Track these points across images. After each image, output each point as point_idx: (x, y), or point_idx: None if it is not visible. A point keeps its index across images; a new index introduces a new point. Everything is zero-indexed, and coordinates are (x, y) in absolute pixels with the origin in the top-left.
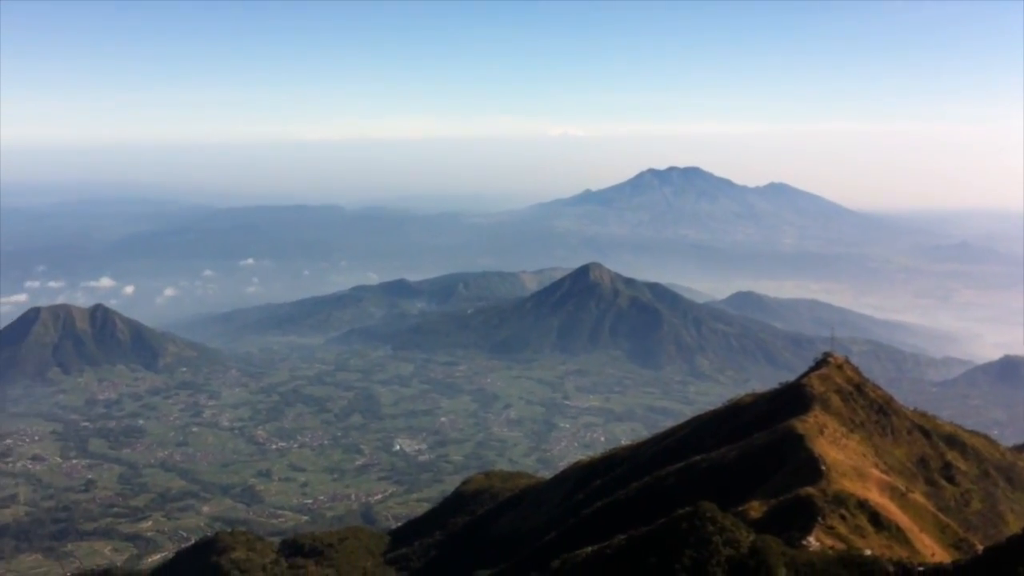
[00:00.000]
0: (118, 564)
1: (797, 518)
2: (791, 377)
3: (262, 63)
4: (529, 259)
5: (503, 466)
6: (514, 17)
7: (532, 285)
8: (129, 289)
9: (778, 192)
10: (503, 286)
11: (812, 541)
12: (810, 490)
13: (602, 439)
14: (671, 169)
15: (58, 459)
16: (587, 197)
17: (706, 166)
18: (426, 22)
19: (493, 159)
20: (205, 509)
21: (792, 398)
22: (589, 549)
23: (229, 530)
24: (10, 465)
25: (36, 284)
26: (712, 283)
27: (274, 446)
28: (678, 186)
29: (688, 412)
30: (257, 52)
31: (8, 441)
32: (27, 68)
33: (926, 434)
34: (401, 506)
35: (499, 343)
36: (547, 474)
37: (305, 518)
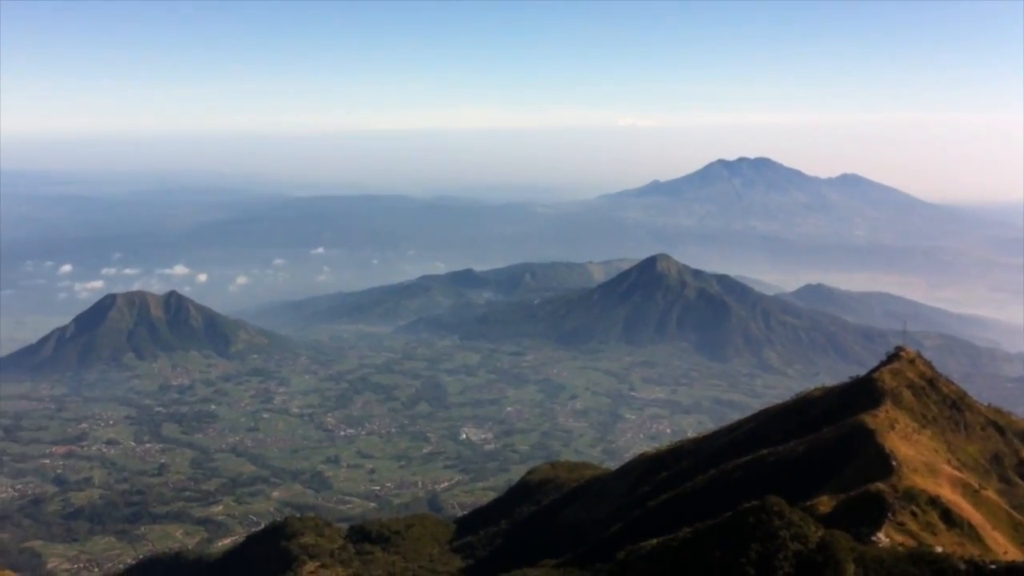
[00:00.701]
0: (189, 547)
1: (867, 514)
2: (862, 371)
3: (335, 54)
4: (596, 250)
5: (568, 456)
6: (585, 7)
7: (599, 276)
8: (202, 277)
9: (850, 183)
10: (570, 276)
11: (882, 537)
12: (880, 486)
13: (668, 431)
14: (741, 160)
15: (132, 443)
16: (655, 188)
17: (776, 157)
18: (497, 13)
19: (561, 149)
20: (275, 494)
21: (863, 392)
22: (654, 541)
23: (298, 515)
24: (86, 449)
25: (112, 271)
26: (781, 275)
27: (342, 433)
28: (747, 177)
29: (755, 405)
30: (329, 44)
31: (84, 425)
32: (108, 60)
33: (1000, 431)
34: (467, 494)
35: (565, 333)
36: (612, 465)
37: (372, 505)
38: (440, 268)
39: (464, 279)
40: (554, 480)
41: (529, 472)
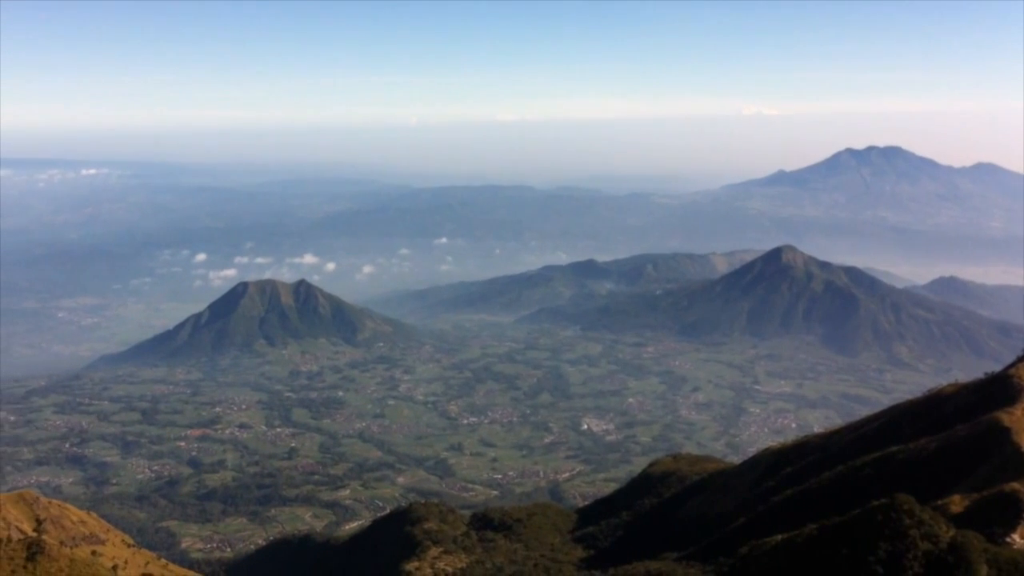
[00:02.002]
0: (318, 530)
1: (1001, 514)
2: (997, 367)
3: (463, 47)
4: (720, 241)
5: (691, 449)
6: None
7: (722, 267)
8: (331, 266)
9: (986, 173)
10: (692, 268)
11: (1017, 539)
12: (1016, 485)
13: (793, 426)
14: (870, 149)
15: (263, 427)
16: (780, 178)
17: (907, 145)
18: (620, 3)
19: (685, 139)
20: (400, 480)
21: (998, 389)
22: (778, 537)
23: (422, 501)
24: (219, 432)
25: (245, 260)
26: (912, 267)
27: (465, 421)
28: (877, 166)
29: (885, 401)
30: (456, 37)
31: (217, 409)
32: (241, 55)
33: None
34: (588, 485)
35: (688, 325)
36: (736, 459)
37: (495, 492)
38: (562, 258)
39: (586, 269)
40: (676, 473)
41: (651, 464)
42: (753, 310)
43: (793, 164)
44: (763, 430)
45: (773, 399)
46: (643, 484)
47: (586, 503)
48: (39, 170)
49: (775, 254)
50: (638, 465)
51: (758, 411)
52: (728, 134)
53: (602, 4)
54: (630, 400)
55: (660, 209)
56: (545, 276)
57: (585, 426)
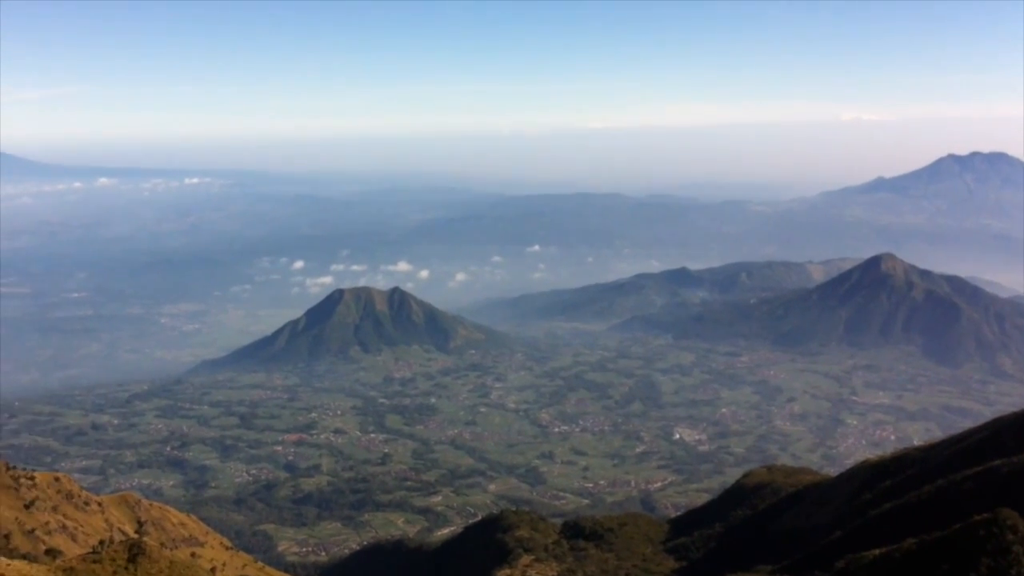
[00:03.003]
0: (410, 535)
1: None
2: None
3: (552, 56)
4: (816, 249)
5: (786, 461)
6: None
7: (818, 276)
8: (424, 273)
9: None
10: (788, 276)
11: None
12: None
13: (892, 438)
14: (974, 155)
15: (358, 433)
16: (879, 184)
17: (1013, 151)
18: (715, 8)
19: (781, 146)
20: (491, 487)
21: None
22: (876, 551)
23: (514, 509)
24: (315, 437)
25: (341, 267)
26: (1017, 276)
27: (557, 429)
28: (981, 173)
29: (988, 413)
30: (547, 45)
31: (313, 414)
32: (339, 65)
33: None
34: (680, 495)
35: (783, 335)
36: (832, 471)
37: (586, 501)
38: (655, 266)
39: (679, 278)
40: (770, 484)
41: (744, 475)
42: (851, 320)
43: (893, 171)
44: (860, 442)
45: (871, 411)
46: (736, 495)
47: (678, 513)
48: (144, 179)
49: (874, 262)
50: (731, 476)
51: (855, 423)
52: (826, 140)
53: (696, 10)
54: (723, 410)
55: (755, 217)
56: (637, 284)
57: (677, 436)
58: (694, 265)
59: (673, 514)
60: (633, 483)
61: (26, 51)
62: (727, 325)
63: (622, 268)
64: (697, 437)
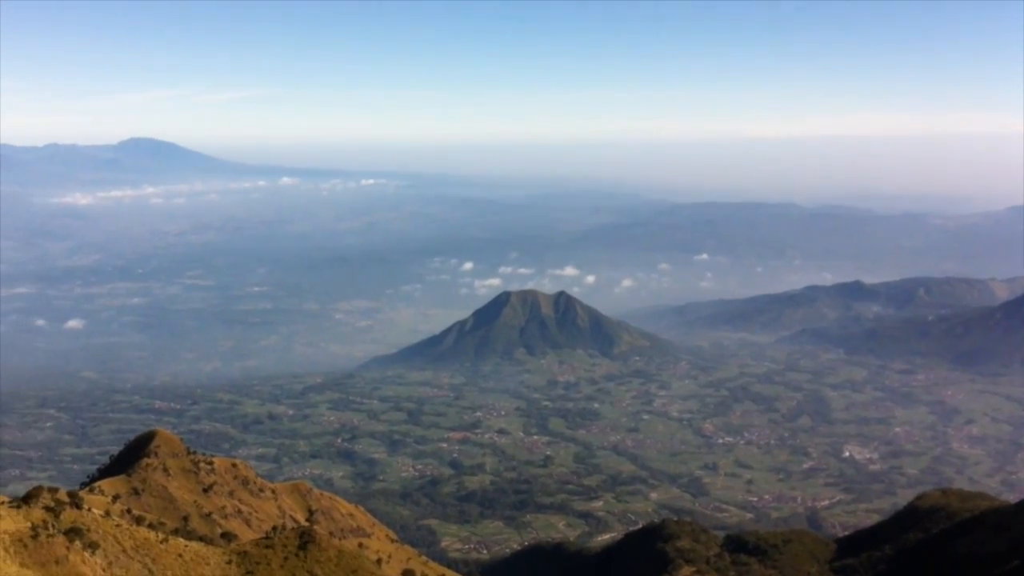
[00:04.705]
0: (571, 539)
1: None
2: None
3: (725, 63)
4: (1000, 266)
5: (962, 484)
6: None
7: (1002, 294)
8: (590, 278)
9: None
10: (969, 293)
11: None
12: None
13: None
14: None
15: (521, 434)
16: None
17: None
18: (897, 19)
19: (966, 156)
20: (653, 495)
21: None
22: None
23: (675, 519)
24: (479, 436)
25: (508, 270)
26: None
27: (721, 441)
28: None
29: None
30: (719, 51)
31: (478, 414)
32: (507, 70)
33: None
34: (848, 515)
35: (962, 354)
36: (1012, 498)
37: (749, 515)
38: (827, 279)
39: (852, 291)
40: (945, 508)
41: (918, 497)
42: None
43: None
44: None
45: None
46: (908, 518)
47: (846, 533)
48: (323, 179)
49: None
50: (903, 497)
51: None
52: (1015, 153)
53: (874, 18)
54: (896, 429)
55: (936, 231)
56: (808, 296)
57: (847, 453)
58: (869, 278)
59: (840, 534)
60: (799, 499)
61: (217, 54)
62: (902, 342)
63: (792, 279)
64: (868, 456)
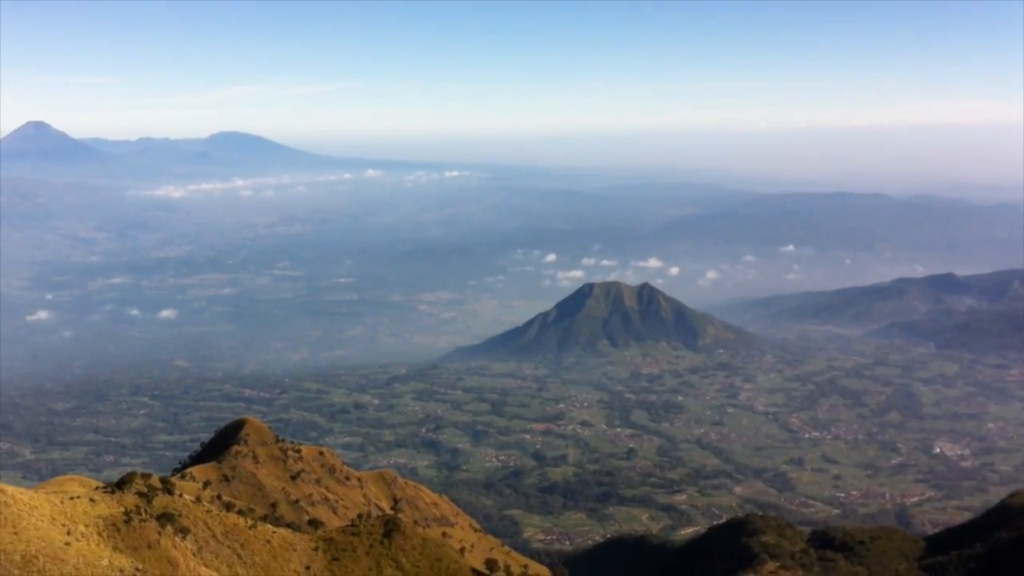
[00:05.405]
0: (654, 532)
1: None
2: None
3: (810, 50)
4: None
5: None
6: None
7: None
8: (674, 270)
9: None
10: None
11: None
12: None
13: None
14: None
15: (603, 426)
16: None
17: None
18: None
19: None
20: (737, 489)
21: None
22: None
23: (760, 513)
24: (561, 427)
25: (591, 261)
26: None
27: (807, 435)
28: None
29: None
30: (803, 40)
31: (561, 405)
32: (585, 60)
33: None
34: (939, 512)
35: None
36: None
37: (836, 511)
38: (918, 271)
39: (944, 283)
40: None
41: (1011, 495)
42: None
43: None
44: None
45: None
46: (1001, 516)
47: (936, 530)
48: (407, 172)
49: None
50: (995, 495)
51: None
52: None
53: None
54: (989, 425)
55: None
56: (898, 289)
57: (937, 449)
58: (961, 271)
59: (930, 531)
60: (888, 496)
61: (304, 49)
62: (996, 336)
63: (882, 272)
64: (959, 452)
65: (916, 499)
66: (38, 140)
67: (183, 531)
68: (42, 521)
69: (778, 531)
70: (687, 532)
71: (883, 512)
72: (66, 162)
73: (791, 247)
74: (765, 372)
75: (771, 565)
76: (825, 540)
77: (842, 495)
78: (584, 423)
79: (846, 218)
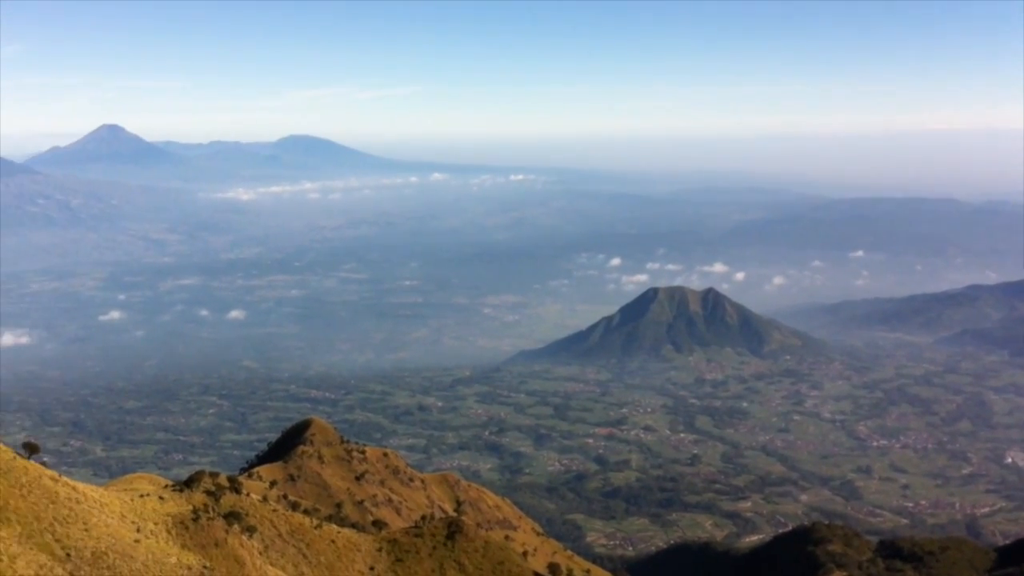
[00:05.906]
0: (717, 539)
1: None
2: None
3: (888, 54)
4: None
5: None
6: None
7: None
8: (740, 275)
9: None
10: None
11: None
12: None
13: None
14: None
15: (667, 431)
16: None
17: None
18: None
19: None
20: (803, 498)
21: None
22: None
23: (826, 522)
24: (625, 432)
25: (656, 266)
26: None
27: (875, 443)
28: None
29: None
30: (883, 43)
31: (624, 410)
32: (658, 65)
33: None
34: (1011, 523)
35: None
36: None
37: (904, 521)
38: (991, 277)
39: (1018, 290)
40: None
41: None
42: None
43: None
44: None
45: None
46: None
47: (1007, 542)
48: (473, 175)
49: None
50: None
51: None
52: None
53: None
54: None
55: None
56: (970, 295)
57: (1009, 459)
58: None
59: (1001, 542)
60: (958, 506)
61: (371, 54)
62: None
63: (953, 278)
64: None
65: (987, 510)
66: (112, 143)
67: (249, 530)
68: (112, 518)
69: (845, 540)
70: (752, 540)
71: (953, 523)
72: (139, 165)
73: (860, 252)
74: (832, 379)
75: (838, 574)
76: (893, 550)
77: (911, 505)
78: (647, 428)
79: (917, 223)
